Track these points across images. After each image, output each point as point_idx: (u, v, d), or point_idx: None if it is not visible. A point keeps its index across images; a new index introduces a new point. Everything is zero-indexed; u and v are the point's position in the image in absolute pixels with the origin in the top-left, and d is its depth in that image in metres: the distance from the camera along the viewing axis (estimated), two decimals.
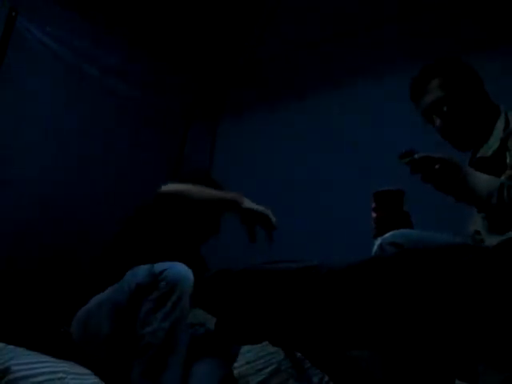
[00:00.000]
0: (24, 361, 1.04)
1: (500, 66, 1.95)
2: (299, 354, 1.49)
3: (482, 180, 1.21)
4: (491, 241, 1.32)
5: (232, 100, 3.08)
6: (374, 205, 1.48)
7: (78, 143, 2.34)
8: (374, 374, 1.28)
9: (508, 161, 1.28)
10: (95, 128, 2.42)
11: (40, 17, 2.18)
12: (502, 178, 1.24)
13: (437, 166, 1.20)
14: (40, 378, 1.02)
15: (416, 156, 1.22)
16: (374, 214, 1.48)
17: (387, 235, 1.36)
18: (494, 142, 1.36)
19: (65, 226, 2.27)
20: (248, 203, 1.62)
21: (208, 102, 3.04)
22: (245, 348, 1.45)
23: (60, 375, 1.05)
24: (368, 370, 1.30)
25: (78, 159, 2.32)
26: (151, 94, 2.66)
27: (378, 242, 1.38)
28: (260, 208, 1.64)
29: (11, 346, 1.23)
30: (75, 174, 2.32)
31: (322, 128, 2.56)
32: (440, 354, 1.16)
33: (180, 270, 1.34)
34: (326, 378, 1.42)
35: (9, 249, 2.05)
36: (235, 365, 1.32)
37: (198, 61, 2.89)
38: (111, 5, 2.41)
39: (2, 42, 2.02)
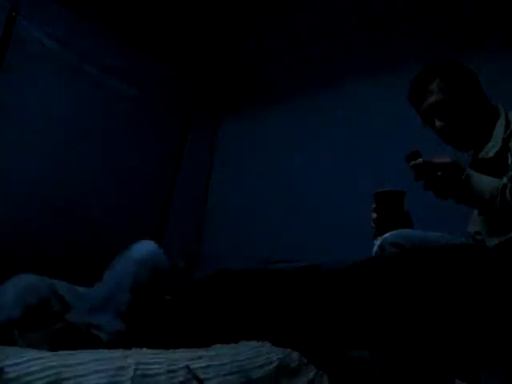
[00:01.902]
0: (18, 360, 1.04)
1: (499, 67, 1.96)
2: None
3: (484, 182, 1.21)
4: (491, 242, 1.33)
5: (232, 100, 3.08)
6: (374, 205, 1.49)
7: (77, 143, 2.34)
8: (374, 374, 1.28)
9: (510, 162, 1.28)
10: (95, 128, 2.42)
11: (40, 17, 2.18)
12: (504, 179, 1.24)
13: (439, 173, 1.20)
14: (36, 376, 1.01)
15: (418, 161, 1.22)
16: (374, 215, 1.48)
17: (387, 235, 1.36)
18: (494, 143, 1.36)
19: (65, 226, 2.27)
20: None
21: (208, 102, 3.04)
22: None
23: (55, 370, 1.04)
24: (368, 371, 1.30)
25: (77, 159, 2.32)
26: (151, 93, 2.66)
27: (378, 242, 1.38)
28: None
29: (4, 346, 1.23)
30: (75, 173, 2.32)
31: (322, 128, 2.56)
32: (440, 354, 1.16)
33: None
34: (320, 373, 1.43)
35: (9, 249, 2.04)
36: (235, 358, 1.33)
37: (199, 61, 2.89)
38: (111, 5, 2.41)
39: (2, 42, 2.02)
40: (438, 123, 1.42)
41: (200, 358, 1.25)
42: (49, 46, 2.21)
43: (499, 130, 1.37)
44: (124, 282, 1.47)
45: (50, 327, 1.39)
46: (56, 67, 2.27)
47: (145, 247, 1.54)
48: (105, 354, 1.15)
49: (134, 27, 2.53)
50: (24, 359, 1.03)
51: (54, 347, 1.16)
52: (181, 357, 1.21)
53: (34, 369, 1.01)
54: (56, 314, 1.53)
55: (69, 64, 2.30)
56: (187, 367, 1.18)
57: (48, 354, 1.09)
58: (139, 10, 2.52)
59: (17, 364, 1.01)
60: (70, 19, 2.29)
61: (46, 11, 2.20)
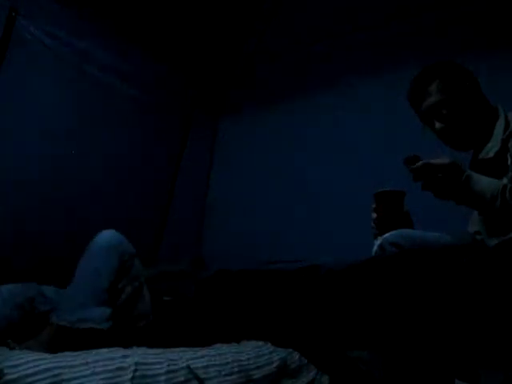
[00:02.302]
0: (18, 362, 1.04)
1: (499, 67, 1.96)
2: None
3: (484, 183, 1.22)
4: (491, 242, 1.33)
5: (232, 100, 3.08)
6: (374, 205, 1.49)
7: (77, 143, 2.33)
8: (374, 374, 1.28)
9: (509, 162, 1.29)
10: (95, 128, 2.41)
11: (40, 17, 2.18)
12: (504, 179, 1.25)
13: (439, 175, 1.20)
14: (36, 377, 1.01)
15: (419, 164, 1.22)
16: (374, 215, 1.49)
17: (387, 235, 1.37)
18: (494, 144, 1.36)
19: (64, 226, 2.27)
20: None
21: (208, 102, 3.04)
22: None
23: (55, 372, 1.04)
24: (368, 371, 1.31)
25: (77, 159, 2.32)
26: (151, 93, 2.66)
27: (378, 242, 1.38)
28: None
29: (3, 348, 1.23)
30: (75, 173, 2.32)
31: (322, 128, 2.56)
32: (440, 354, 1.16)
33: None
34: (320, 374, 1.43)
35: (9, 249, 2.04)
36: (236, 357, 1.33)
37: (198, 61, 2.89)
38: (111, 5, 2.41)
39: (2, 42, 2.02)
40: (437, 124, 1.43)
41: (201, 357, 1.25)
42: (49, 45, 2.21)
43: (499, 131, 1.37)
44: (100, 271, 1.50)
45: (39, 334, 1.40)
46: (56, 67, 2.27)
47: (107, 235, 1.58)
48: (104, 354, 1.15)
49: (134, 27, 2.52)
50: (24, 361, 1.03)
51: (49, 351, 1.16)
52: (181, 356, 1.21)
53: (33, 370, 1.01)
54: (43, 313, 1.55)
55: (69, 64, 2.30)
56: (188, 367, 1.18)
57: (48, 355, 1.10)
58: (139, 9, 2.52)
59: (17, 366, 1.01)
60: (70, 19, 2.29)
61: (46, 11, 2.20)
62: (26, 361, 1.03)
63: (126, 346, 1.25)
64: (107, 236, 1.57)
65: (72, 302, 1.46)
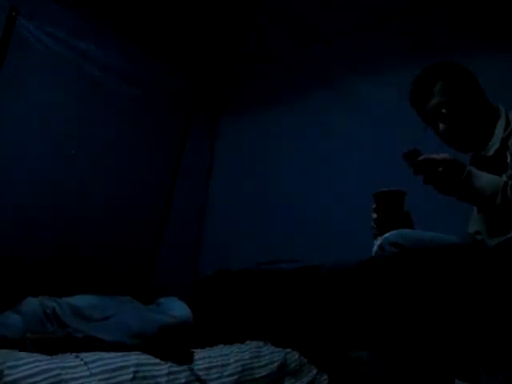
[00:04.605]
0: (17, 363, 1.04)
1: (499, 67, 1.96)
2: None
3: (485, 180, 1.22)
4: (492, 241, 1.33)
5: (232, 100, 3.08)
6: (374, 205, 1.49)
7: (77, 143, 2.33)
8: (374, 374, 1.29)
9: (509, 160, 1.29)
10: (95, 128, 2.41)
11: (40, 17, 2.17)
12: (503, 176, 1.25)
13: (440, 169, 1.20)
14: (35, 378, 1.01)
15: (419, 158, 1.22)
16: (374, 215, 1.49)
17: (387, 235, 1.37)
18: (494, 142, 1.36)
19: (64, 225, 2.27)
20: None
21: (208, 102, 3.04)
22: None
23: (54, 372, 1.04)
24: (368, 371, 1.31)
25: (77, 159, 2.32)
26: (151, 93, 2.66)
27: (378, 242, 1.38)
28: None
29: (4, 350, 1.23)
30: (75, 173, 2.32)
31: (322, 128, 2.56)
32: (440, 354, 1.16)
33: None
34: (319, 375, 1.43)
35: (9, 249, 2.04)
36: (239, 357, 1.33)
37: (198, 61, 2.89)
38: (111, 4, 2.41)
39: (2, 42, 2.02)
40: (441, 125, 1.42)
41: (202, 358, 1.25)
42: (49, 45, 2.21)
43: (499, 130, 1.37)
44: (132, 329, 1.37)
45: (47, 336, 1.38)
46: (56, 67, 2.27)
47: (178, 312, 1.50)
48: (104, 355, 1.15)
49: (134, 27, 2.52)
50: (24, 361, 1.03)
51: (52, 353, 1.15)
52: (182, 358, 1.21)
53: (33, 371, 1.01)
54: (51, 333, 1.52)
55: (69, 64, 2.30)
56: (190, 369, 1.18)
57: (47, 356, 1.10)
58: (140, 9, 2.52)
59: (16, 366, 1.01)
60: (70, 19, 2.28)
61: (47, 11, 2.20)
62: (26, 362, 1.03)
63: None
64: (178, 312, 1.49)
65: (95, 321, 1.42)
